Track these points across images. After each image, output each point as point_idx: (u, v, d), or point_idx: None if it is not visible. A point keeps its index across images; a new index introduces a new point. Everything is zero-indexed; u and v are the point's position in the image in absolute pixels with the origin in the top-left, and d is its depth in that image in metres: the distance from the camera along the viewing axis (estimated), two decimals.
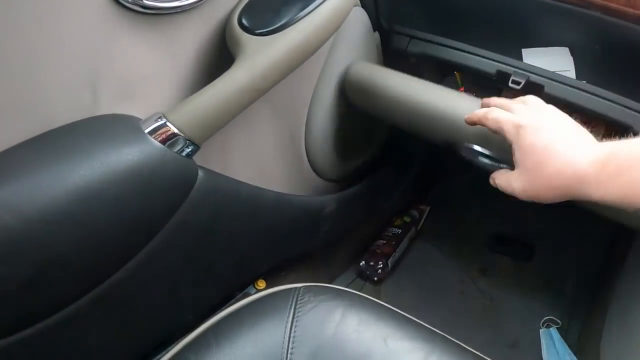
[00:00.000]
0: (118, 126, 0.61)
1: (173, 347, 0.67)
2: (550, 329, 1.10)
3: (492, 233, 1.28)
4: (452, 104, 0.74)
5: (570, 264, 1.20)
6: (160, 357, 0.67)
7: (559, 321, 1.11)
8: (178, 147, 0.62)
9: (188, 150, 0.63)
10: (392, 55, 0.95)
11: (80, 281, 0.60)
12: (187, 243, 0.72)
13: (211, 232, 0.77)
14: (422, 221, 1.31)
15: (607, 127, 0.78)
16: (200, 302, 0.86)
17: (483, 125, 0.56)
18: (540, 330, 1.10)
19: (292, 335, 0.65)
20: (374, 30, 0.93)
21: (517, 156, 0.50)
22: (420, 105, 0.77)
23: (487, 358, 0.65)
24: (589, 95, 0.74)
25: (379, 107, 0.85)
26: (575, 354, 1.03)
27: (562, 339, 1.07)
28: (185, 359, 0.65)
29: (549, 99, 0.59)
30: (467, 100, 0.73)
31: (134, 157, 0.58)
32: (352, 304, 0.68)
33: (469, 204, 1.35)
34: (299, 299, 0.68)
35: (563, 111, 0.55)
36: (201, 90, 0.64)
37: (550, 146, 0.46)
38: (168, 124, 0.61)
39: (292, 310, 0.67)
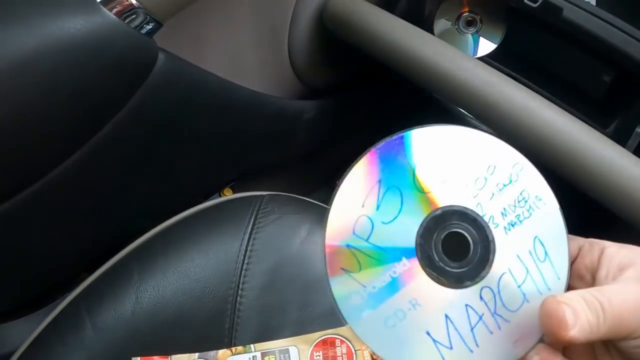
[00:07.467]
0: None
1: (117, 255, 0.62)
2: None
3: None
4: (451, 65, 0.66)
5: None
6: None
7: None
8: (136, 23, 0.56)
9: (148, 27, 0.57)
10: None
11: (13, 173, 0.53)
12: (144, 138, 0.66)
13: (172, 127, 0.70)
14: None
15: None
16: (158, 207, 0.79)
17: None
18: None
19: (249, 248, 0.59)
20: None
21: None
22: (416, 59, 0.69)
23: None
24: (606, 24, 0.69)
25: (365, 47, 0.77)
26: None
27: None
28: (126, 269, 0.59)
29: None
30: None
31: (79, 28, 0.51)
32: (320, 219, 0.61)
33: None
34: (261, 208, 0.62)
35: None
36: None
37: None
38: None
39: (252, 220, 0.61)
